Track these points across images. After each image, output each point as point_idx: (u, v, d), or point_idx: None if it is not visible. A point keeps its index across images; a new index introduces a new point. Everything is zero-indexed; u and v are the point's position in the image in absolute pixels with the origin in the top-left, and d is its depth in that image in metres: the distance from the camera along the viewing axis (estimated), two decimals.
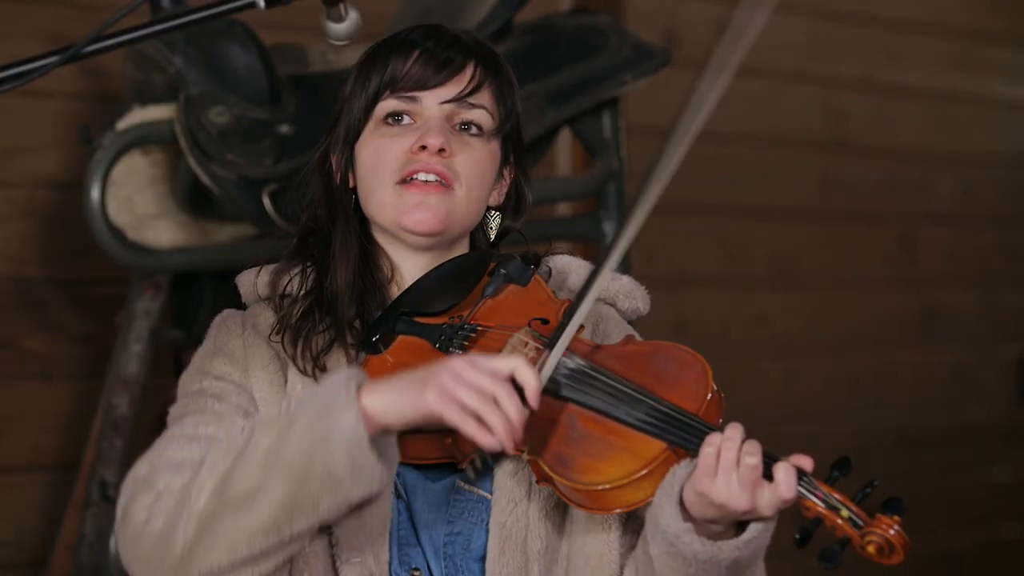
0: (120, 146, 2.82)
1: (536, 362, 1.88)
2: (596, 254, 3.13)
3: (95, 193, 2.80)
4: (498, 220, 2.13)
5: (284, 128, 2.80)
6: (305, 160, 2.72)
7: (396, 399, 1.81)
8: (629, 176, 3.07)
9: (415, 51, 2.03)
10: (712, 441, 1.81)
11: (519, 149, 2.12)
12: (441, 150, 2.00)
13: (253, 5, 1.87)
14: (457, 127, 2.04)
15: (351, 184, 2.08)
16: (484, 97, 2.05)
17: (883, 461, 4.74)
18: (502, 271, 2.04)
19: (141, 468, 1.91)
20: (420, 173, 2.00)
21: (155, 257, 2.86)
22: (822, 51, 4.75)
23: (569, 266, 2.13)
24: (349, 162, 2.07)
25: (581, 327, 1.98)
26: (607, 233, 3.08)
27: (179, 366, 3.02)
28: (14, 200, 3.18)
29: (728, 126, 4.31)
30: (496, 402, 1.79)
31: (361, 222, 2.08)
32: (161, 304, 2.98)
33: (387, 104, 2.04)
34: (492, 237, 2.13)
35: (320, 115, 2.81)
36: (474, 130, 2.04)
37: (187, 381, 2.02)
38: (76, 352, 3.24)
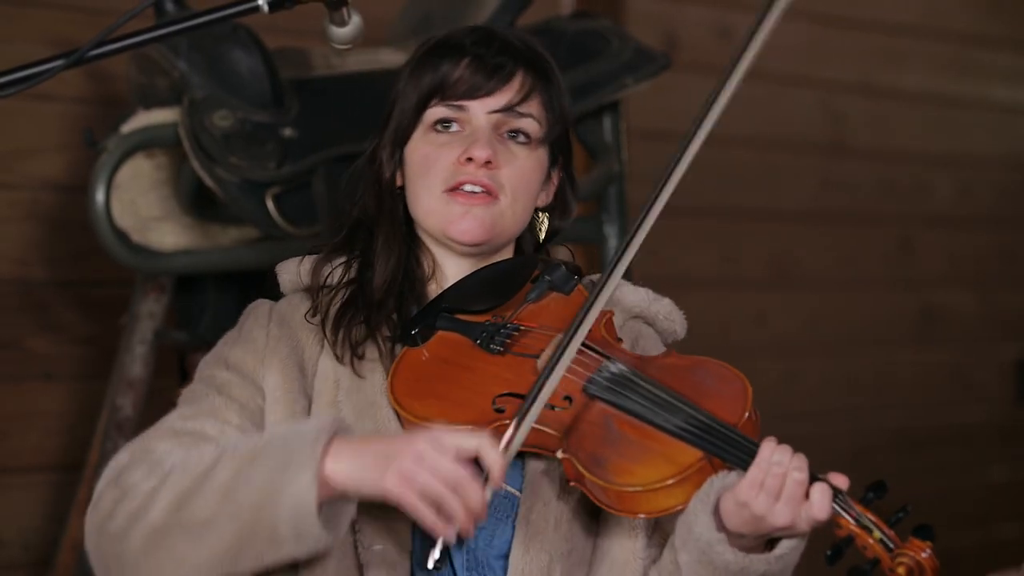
0: (124, 149, 2.83)
1: (549, 359, 1.89)
2: (597, 256, 3.15)
3: (99, 196, 2.80)
4: (547, 221, 2.14)
5: (287, 131, 2.80)
6: (308, 163, 2.78)
7: (358, 472, 1.82)
8: (630, 179, 3.07)
9: (465, 57, 2.04)
10: (764, 457, 1.82)
11: (567, 151, 2.14)
12: (488, 162, 2.01)
13: (256, 9, 1.88)
14: (505, 134, 2.05)
15: (399, 183, 2.09)
16: (532, 105, 2.06)
17: (882, 461, 4.76)
18: (547, 278, 2.07)
19: (123, 455, 1.95)
20: (466, 185, 2.02)
21: (159, 259, 2.87)
22: (822, 54, 4.76)
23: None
24: (398, 163, 2.09)
25: (617, 337, 2.01)
26: (608, 235, 3.10)
27: (183, 368, 3.03)
28: (19, 202, 3.18)
29: (729, 129, 4.28)
30: (456, 490, 1.78)
31: (407, 219, 2.10)
32: (165, 306, 2.98)
33: (436, 111, 2.05)
34: (541, 238, 2.14)
35: (323, 119, 2.84)
36: (522, 138, 2.06)
37: (205, 364, 2.06)
38: (80, 353, 3.24)
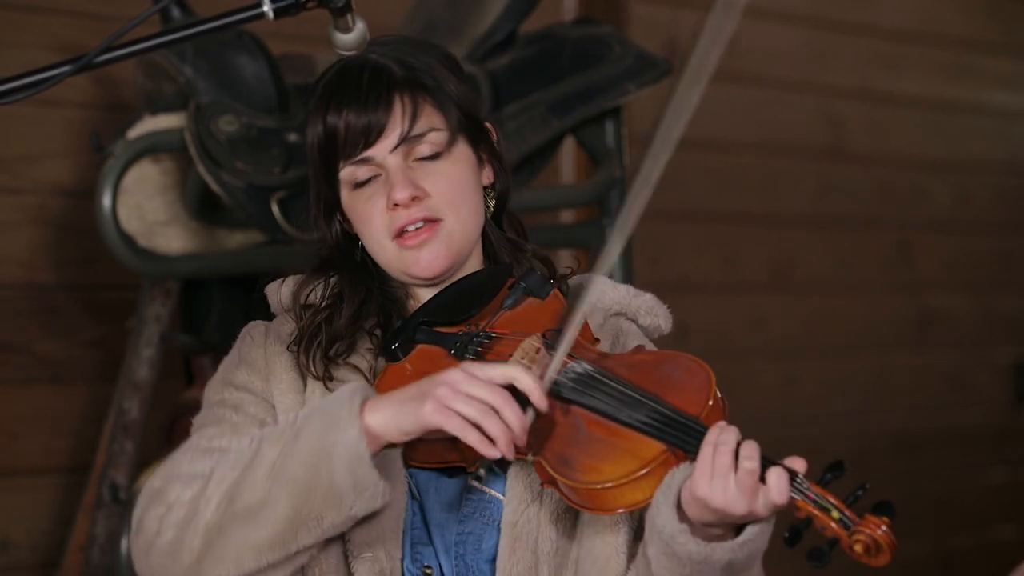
0: (131, 154, 2.84)
1: (540, 365, 1.90)
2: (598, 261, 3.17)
3: (106, 200, 2.82)
4: (492, 198, 2.12)
5: (292, 136, 2.81)
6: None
7: (397, 415, 1.84)
8: (631, 184, 3.08)
9: (342, 108, 2.01)
10: (709, 440, 1.82)
11: (479, 127, 2.10)
12: (413, 198, 2.01)
13: (262, 16, 1.86)
14: (416, 160, 2.03)
15: (352, 230, 2.09)
16: (424, 121, 2.02)
17: (880, 464, 4.77)
18: (522, 284, 2.06)
19: (155, 481, 1.93)
20: (407, 227, 2.01)
21: (165, 263, 2.88)
22: (821, 60, 4.76)
23: (584, 280, 2.13)
24: (342, 221, 2.08)
25: (593, 338, 2.03)
26: (605, 240, 3.11)
27: (189, 370, 3.04)
28: (26, 207, 3.19)
29: (728, 134, 4.33)
30: (495, 411, 1.81)
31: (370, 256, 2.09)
32: (171, 310, 2.99)
33: (346, 173, 2.03)
34: (491, 213, 2.12)
35: None
36: (432, 154, 2.03)
37: (211, 391, 2.05)
38: (87, 356, 3.25)
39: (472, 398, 1.82)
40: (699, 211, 4.39)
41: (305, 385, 2.03)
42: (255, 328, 2.09)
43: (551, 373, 1.90)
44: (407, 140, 2.02)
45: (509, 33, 3.00)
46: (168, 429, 3.00)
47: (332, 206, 2.07)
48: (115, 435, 2.98)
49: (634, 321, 2.14)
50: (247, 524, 1.84)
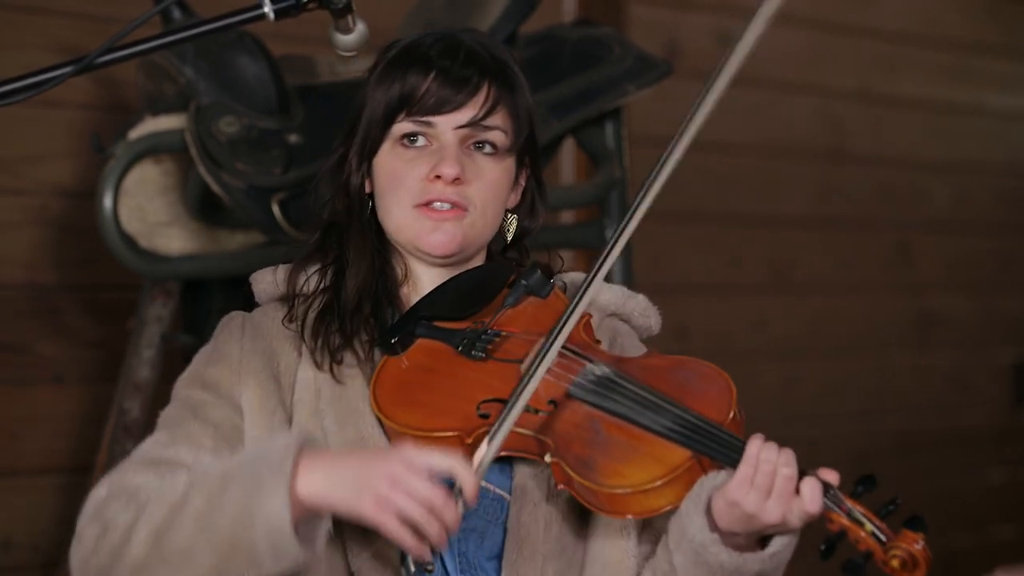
0: (132, 155, 2.84)
1: (532, 364, 1.90)
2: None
3: (107, 201, 2.82)
4: (515, 222, 2.14)
5: (293, 137, 2.81)
6: (314, 169, 2.75)
7: (332, 492, 1.82)
8: (632, 185, 3.07)
9: (432, 70, 2.03)
10: (751, 453, 1.82)
11: (534, 152, 2.14)
12: (456, 179, 2.02)
13: (263, 17, 1.89)
14: (471, 147, 2.05)
15: (368, 190, 2.10)
16: (498, 117, 2.05)
17: (880, 464, 4.76)
18: (523, 283, 2.06)
19: (101, 489, 1.94)
20: (435, 202, 2.03)
21: (166, 264, 2.88)
22: (821, 62, 4.77)
23: (580, 280, 2.12)
24: (366, 172, 2.09)
25: (595, 339, 2.03)
26: (608, 239, 3.11)
27: None
28: (28, 208, 3.19)
29: (729, 136, 4.34)
30: (432, 511, 1.79)
31: (377, 224, 2.10)
32: (172, 310, 2.99)
33: (403, 126, 2.05)
34: (509, 239, 2.14)
35: (328, 125, 2.82)
36: (488, 149, 2.06)
37: (181, 384, 2.06)
38: (88, 356, 3.25)
39: (412, 496, 1.79)
40: (700, 212, 4.40)
41: (278, 384, 2.01)
42: (232, 320, 2.09)
43: (526, 395, 1.88)
44: (475, 125, 2.04)
45: (509, 34, 2.99)
46: None
47: (370, 153, 2.07)
48: (116, 435, 2.98)
49: (627, 322, 2.15)
50: (172, 569, 1.85)
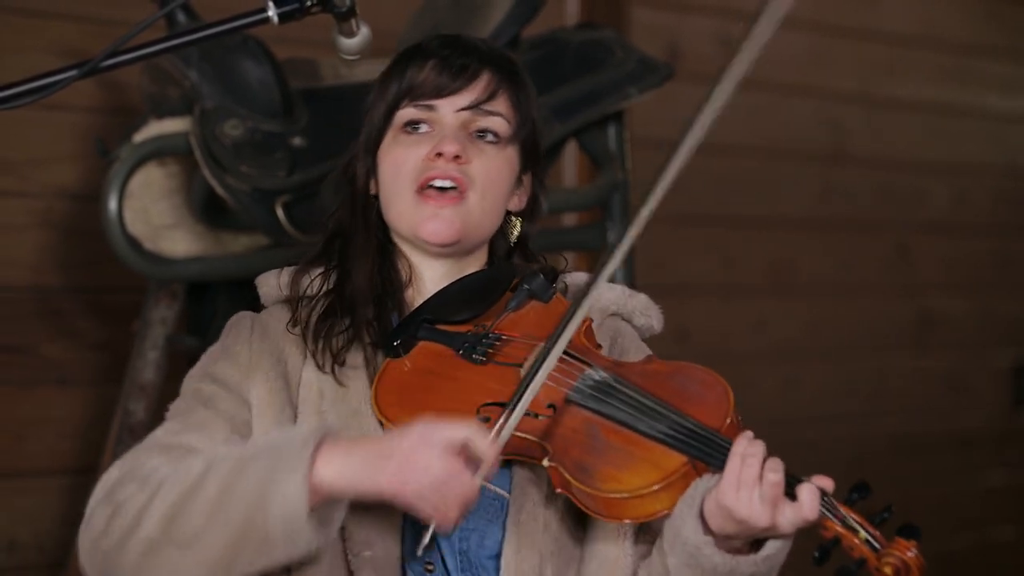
0: (137, 158, 2.84)
1: (532, 369, 1.91)
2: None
3: (112, 204, 2.82)
4: (519, 225, 2.15)
5: (297, 140, 2.82)
6: (317, 172, 2.78)
7: (352, 473, 1.83)
8: (633, 187, 3.08)
9: (431, 59, 2.06)
10: (737, 452, 1.84)
11: (536, 156, 2.15)
12: (457, 156, 2.03)
13: (267, 20, 1.90)
14: (474, 134, 2.06)
15: (373, 191, 2.11)
16: (500, 104, 2.07)
17: (879, 466, 4.77)
18: (526, 287, 2.07)
19: (114, 471, 1.95)
20: (436, 180, 2.04)
21: (171, 266, 2.88)
22: (821, 65, 4.77)
23: (582, 281, 2.14)
24: (371, 170, 2.11)
25: (596, 343, 2.03)
26: (612, 244, 3.10)
27: None
28: (33, 210, 3.20)
29: (729, 138, 4.34)
30: (450, 483, 1.81)
31: (383, 226, 2.11)
32: (177, 312, 3.00)
33: (405, 113, 2.07)
34: (513, 242, 2.15)
35: (332, 128, 2.85)
36: (490, 137, 2.07)
37: (190, 379, 2.06)
38: (93, 358, 3.26)
39: (428, 470, 1.81)
40: (699, 214, 4.40)
41: (287, 383, 2.02)
42: (242, 320, 2.10)
43: (533, 388, 1.89)
44: (475, 108, 2.05)
45: (512, 38, 3.00)
46: None
47: (372, 146, 2.09)
48: (121, 437, 2.99)
49: (628, 322, 2.16)
50: (183, 551, 1.85)
